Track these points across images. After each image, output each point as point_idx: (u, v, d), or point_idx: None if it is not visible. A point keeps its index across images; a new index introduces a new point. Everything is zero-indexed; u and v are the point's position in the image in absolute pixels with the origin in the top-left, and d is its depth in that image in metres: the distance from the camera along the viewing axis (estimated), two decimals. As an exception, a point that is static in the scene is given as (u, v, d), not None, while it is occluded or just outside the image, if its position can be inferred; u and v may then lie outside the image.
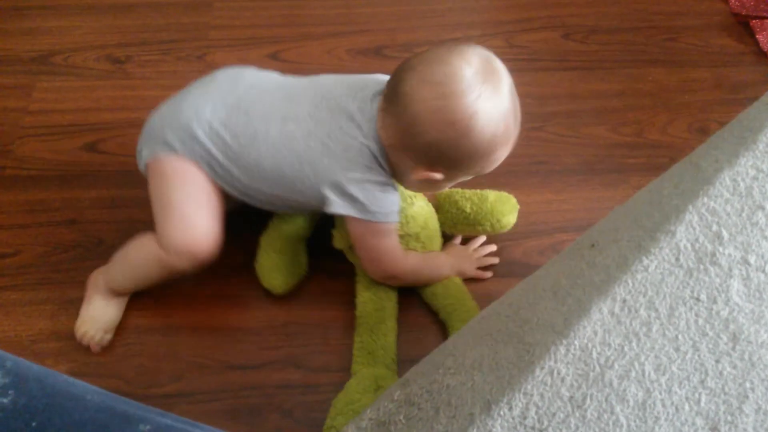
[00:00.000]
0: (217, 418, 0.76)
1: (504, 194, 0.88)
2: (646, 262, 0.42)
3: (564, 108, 1.05)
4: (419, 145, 0.70)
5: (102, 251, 0.89)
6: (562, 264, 0.48)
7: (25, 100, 1.04)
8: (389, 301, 0.81)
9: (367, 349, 0.78)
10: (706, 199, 0.44)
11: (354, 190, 0.72)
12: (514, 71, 1.09)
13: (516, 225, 0.91)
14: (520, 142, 1.00)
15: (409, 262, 0.81)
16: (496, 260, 0.87)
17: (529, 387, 0.37)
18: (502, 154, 0.73)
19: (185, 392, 0.78)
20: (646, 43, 1.13)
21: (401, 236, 0.82)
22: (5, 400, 0.37)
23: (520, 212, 0.92)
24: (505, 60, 1.10)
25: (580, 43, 1.14)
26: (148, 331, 0.82)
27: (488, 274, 0.86)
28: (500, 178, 0.95)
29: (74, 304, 0.84)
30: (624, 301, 0.41)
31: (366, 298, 0.81)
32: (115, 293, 0.82)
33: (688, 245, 0.42)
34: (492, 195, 0.87)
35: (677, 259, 0.42)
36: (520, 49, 1.13)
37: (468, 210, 0.85)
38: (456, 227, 0.87)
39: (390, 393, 0.45)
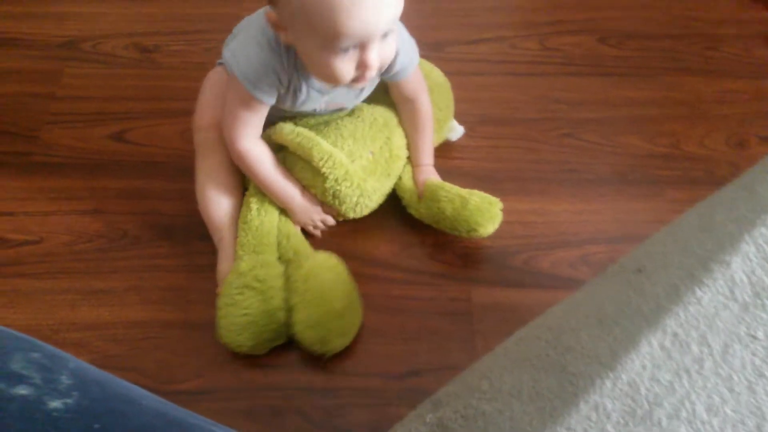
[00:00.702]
0: (235, 418, 0.75)
1: (488, 200, 0.85)
2: (699, 293, 0.40)
3: (597, 115, 1.02)
4: None
5: (125, 243, 0.88)
6: (606, 288, 0.46)
7: (52, 86, 1.04)
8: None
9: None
10: (764, 230, 0.42)
11: (234, 42, 0.80)
12: (546, 74, 1.08)
13: (545, 234, 0.89)
14: (550, 147, 1.00)
15: (247, 153, 0.81)
16: (331, 223, 0.88)
17: (572, 422, 0.36)
18: (317, 7, 0.65)
19: (205, 389, 0.77)
20: (685, 51, 1.10)
21: (317, 172, 0.81)
22: (70, 401, 0.37)
23: (549, 221, 0.91)
24: (537, 63, 1.09)
25: (616, 48, 1.11)
26: (170, 325, 0.81)
27: (317, 233, 0.88)
28: (529, 185, 0.94)
29: (95, 295, 0.84)
30: (675, 334, 0.39)
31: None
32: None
33: (744, 278, 0.40)
34: (475, 199, 0.84)
35: (732, 293, 0.40)
36: (553, 51, 1.11)
37: (447, 212, 0.85)
38: (437, 224, 0.87)
39: (421, 414, 0.44)
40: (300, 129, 0.83)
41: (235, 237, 0.84)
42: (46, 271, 0.86)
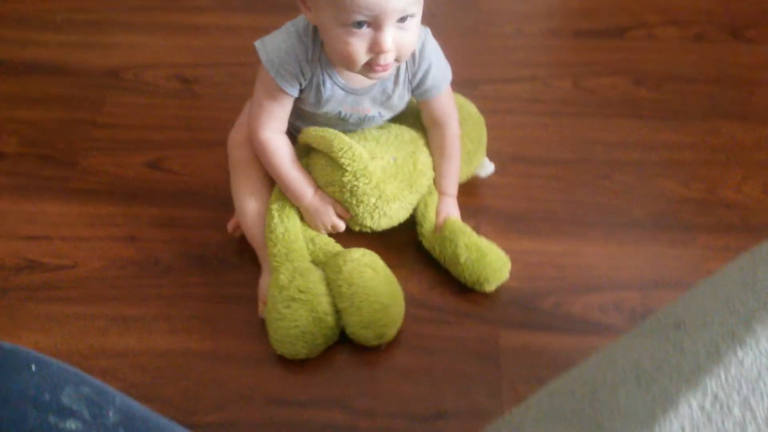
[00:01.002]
0: (257, 453, 0.75)
1: (503, 260, 0.85)
2: (740, 354, 0.39)
3: (632, 157, 1.02)
4: None
5: (158, 271, 0.89)
6: (644, 342, 0.45)
7: (94, 113, 1.07)
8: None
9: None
10: (809, 290, 0.41)
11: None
12: (580, 115, 1.07)
13: (576, 276, 0.88)
14: (583, 189, 0.99)
15: (267, 143, 0.82)
16: (342, 229, 0.87)
17: (609, 483, 0.35)
18: None
19: (228, 422, 0.77)
20: (722, 96, 1.09)
21: (336, 166, 0.81)
22: None
23: (581, 263, 0.90)
24: (571, 103, 1.09)
25: (652, 90, 1.10)
26: (197, 355, 0.82)
27: (324, 232, 0.87)
28: (563, 226, 0.93)
29: (125, 322, 0.85)
30: (716, 396, 0.38)
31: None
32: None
33: (789, 340, 0.39)
34: (492, 257, 0.84)
35: (776, 355, 0.39)
36: (588, 92, 1.11)
37: (462, 259, 0.84)
38: (444, 262, 0.87)
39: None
40: (325, 129, 0.83)
41: None
42: (78, 296, 0.87)
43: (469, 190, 0.97)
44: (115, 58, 1.14)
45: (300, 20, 0.78)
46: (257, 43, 0.79)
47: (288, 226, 0.83)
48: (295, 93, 0.80)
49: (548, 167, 1.00)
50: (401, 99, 0.84)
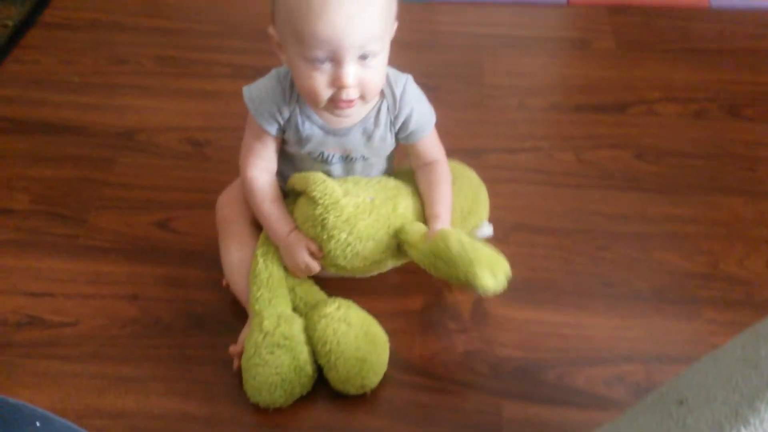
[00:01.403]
0: None
1: (497, 256, 0.80)
2: (745, 434, 0.38)
3: (634, 229, 1.02)
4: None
5: (157, 330, 0.89)
6: (647, 418, 0.44)
7: (106, 173, 1.09)
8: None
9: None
10: (812, 370, 0.41)
11: None
12: (582, 186, 1.09)
13: (579, 349, 0.87)
14: (585, 259, 0.99)
15: (252, 181, 0.85)
16: (315, 269, 0.84)
17: None
18: (295, 6, 0.70)
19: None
20: (722, 171, 1.11)
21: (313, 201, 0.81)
22: None
23: (584, 335, 0.89)
24: (573, 175, 1.11)
25: (653, 164, 1.12)
26: (192, 419, 0.80)
27: (299, 274, 0.85)
28: (565, 297, 0.93)
29: (123, 382, 0.84)
30: (720, 476, 0.37)
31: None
32: None
33: (793, 421, 0.39)
34: (487, 250, 0.80)
35: (780, 436, 0.38)
36: (589, 165, 1.13)
37: (453, 249, 0.78)
38: (434, 264, 0.80)
39: None
40: (309, 172, 0.84)
41: None
42: (78, 354, 0.86)
43: (472, 257, 0.98)
44: (129, 121, 1.18)
45: (283, 66, 0.82)
46: (245, 87, 0.84)
47: (272, 271, 0.84)
48: (274, 131, 0.83)
49: (550, 237, 1.01)
50: (383, 140, 0.85)
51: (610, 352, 0.87)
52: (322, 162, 0.86)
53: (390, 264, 0.88)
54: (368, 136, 0.84)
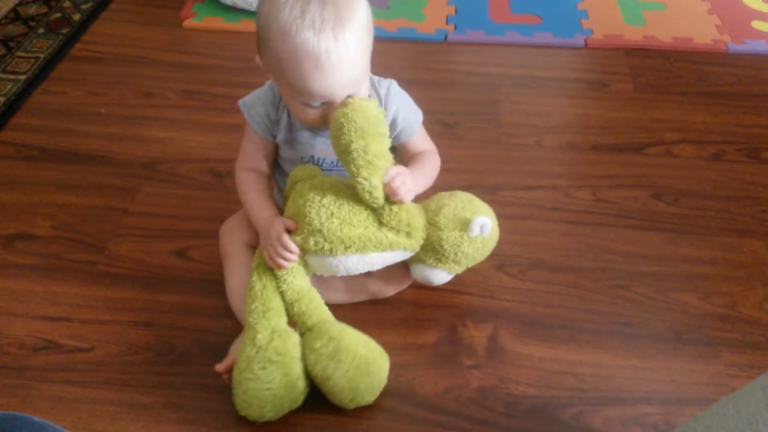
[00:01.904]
0: None
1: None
2: (767, 473, 0.37)
3: (652, 269, 1.02)
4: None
5: (172, 358, 0.89)
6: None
7: (128, 202, 1.11)
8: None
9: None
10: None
11: None
12: (600, 225, 1.09)
13: (597, 388, 0.86)
14: (602, 298, 0.99)
15: (241, 178, 0.92)
16: (286, 266, 0.82)
17: None
18: (279, 46, 0.74)
19: None
20: (741, 213, 1.10)
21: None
22: None
23: (601, 374, 0.88)
24: (591, 213, 1.11)
25: (671, 205, 1.12)
26: (203, 449, 0.80)
27: (272, 263, 0.83)
28: (582, 335, 0.92)
29: (135, 409, 0.84)
30: None
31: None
32: None
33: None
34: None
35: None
36: (607, 204, 1.12)
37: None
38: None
39: None
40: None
41: None
42: (92, 379, 0.87)
43: (487, 293, 0.98)
44: (152, 151, 1.20)
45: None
46: (241, 98, 0.91)
47: (266, 283, 0.83)
48: (263, 133, 0.89)
49: (567, 274, 1.00)
50: None
51: (628, 392, 0.86)
52: (318, 166, 0.89)
53: (371, 246, 0.82)
54: None
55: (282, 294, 0.83)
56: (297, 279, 0.83)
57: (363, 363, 0.80)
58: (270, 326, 0.81)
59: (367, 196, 0.80)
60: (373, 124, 0.77)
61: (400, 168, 0.82)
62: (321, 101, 0.78)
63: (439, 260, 0.88)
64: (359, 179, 0.78)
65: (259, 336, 0.79)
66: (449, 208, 0.88)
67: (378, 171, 0.79)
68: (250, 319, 0.82)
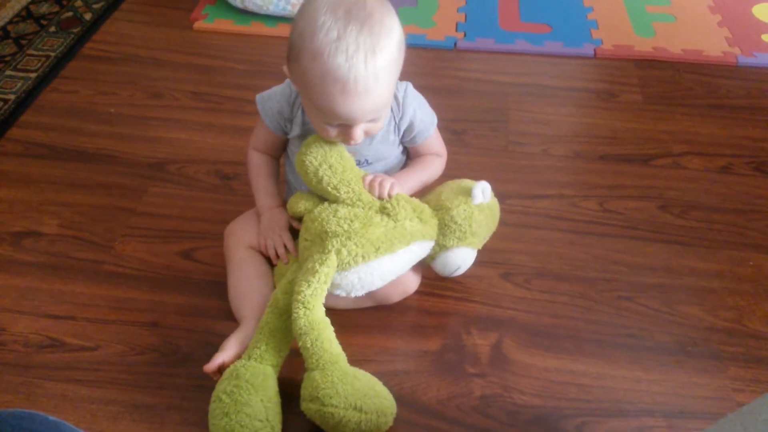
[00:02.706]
0: None
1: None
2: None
3: (658, 281, 1.01)
4: None
5: (176, 359, 0.89)
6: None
7: (135, 202, 1.11)
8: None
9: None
10: None
11: None
12: (606, 235, 1.09)
13: (600, 400, 0.86)
14: (608, 309, 0.98)
15: (250, 156, 0.96)
16: (282, 257, 0.90)
17: None
18: (309, 65, 0.75)
19: None
20: (748, 227, 1.10)
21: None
22: None
23: (606, 386, 0.87)
24: (597, 224, 1.11)
25: (678, 217, 1.12)
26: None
27: (265, 249, 0.91)
28: (587, 346, 0.92)
29: (138, 410, 0.84)
30: None
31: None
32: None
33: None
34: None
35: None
36: (613, 214, 1.12)
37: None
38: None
39: None
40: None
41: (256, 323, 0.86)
42: (96, 379, 0.87)
43: (492, 301, 0.97)
44: (161, 152, 1.20)
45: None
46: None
47: (269, 319, 0.84)
48: (273, 128, 0.91)
49: (573, 284, 1.00)
50: (384, 141, 0.90)
51: (632, 404, 0.86)
52: None
53: (397, 242, 0.83)
54: (371, 136, 0.87)
55: (294, 320, 0.80)
56: (315, 311, 0.80)
57: (351, 409, 0.77)
58: (261, 372, 0.80)
59: (360, 204, 0.83)
60: (331, 147, 0.84)
61: (373, 174, 0.86)
62: (342, 123, 0.79)
63: (459, 238, 0.88)
64: (342, 196, 0.83)
65: (239, 382, 0.78)
66: (447, 190, 0.91)
67: (355, 181, 0.84)
68: (248, 353, 0.82)
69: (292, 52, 0.78)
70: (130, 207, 1.10)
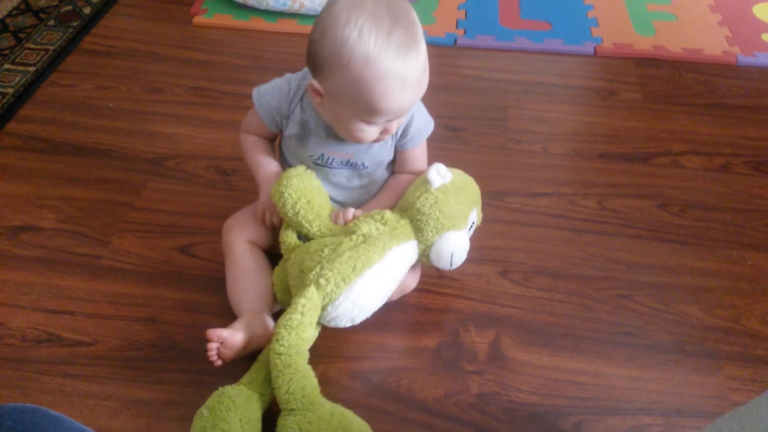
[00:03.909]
0: None
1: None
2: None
3: (655, 279, 1.01)
4: (308, 49, 0.80)
5: (173, 354, 0.89)
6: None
7: (133, 197, 1.11)
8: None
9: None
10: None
11: None
12: (604, 234, 1.09)
13: (598, 398, 0.86)
14: (606, 307, 0.98)
15: (245, 140, 0.95)
16: (271, 223, 0.92)
17: None
18: (362, 69, 0.75)
19: None
20: (747, 226, 1.10)
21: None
22: None
23: (603, 384, 0.88)
24: (596, 222, 1.11)
25: (677, 216, 1.12)
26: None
27: (263, 221, 0.92)
28: (584, 344, 0.92)
29: (136, 405, 0.84)
30: None
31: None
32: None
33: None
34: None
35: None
36: (612, 212, 1.12)
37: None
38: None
39: None
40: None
41: (258, 314, 0.86)
42: (93, 374, 0.87)
43: (490, 298, 0.97)
44: (159, 147, 1.20)
45: (296, 74, 0.89)
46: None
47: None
48: (267, 122, 0.91)
49: (570, 282, 1.00)
50: (383, 146, 0.90)
51: (629, 402, 0.86)
52: (323, 165, 0.90)
53: (388, 241, 0.85)
54: (369, 143, 0.88)
55: (276, 356, 0.79)
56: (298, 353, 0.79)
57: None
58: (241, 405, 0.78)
59: (329, 235, 0.87)
60: (311, 182, 0.86)
61: (338, 209, 0.90)
62: (389, 119, 0.81)
63: (436, 227, 0.87)
64: (314, 230, 0.86)
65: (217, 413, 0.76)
66: (410, 188, 0.91)
67: (326, 216, 0.88)
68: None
69: (327, 64, 0.77)
70: (128, 202, 1.10)
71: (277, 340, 0.79)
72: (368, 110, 0.79)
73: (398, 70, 0.76)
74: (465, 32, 1.52)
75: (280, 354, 0.78)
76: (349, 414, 0.78)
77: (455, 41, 1.49)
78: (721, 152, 1.24)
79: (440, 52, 1.47)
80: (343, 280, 0.81)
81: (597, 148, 1.24)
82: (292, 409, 0.77)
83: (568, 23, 1.55)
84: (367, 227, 0.84)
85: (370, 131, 0.82)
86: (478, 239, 1.06)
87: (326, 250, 0.83)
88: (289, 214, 0.86)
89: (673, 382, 0.88)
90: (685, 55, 1.47)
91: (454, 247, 0.89)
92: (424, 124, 0.92)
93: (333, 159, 0.90)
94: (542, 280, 1.00)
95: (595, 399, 0.86)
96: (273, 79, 0.91)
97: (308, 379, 0.79)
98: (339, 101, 0.80)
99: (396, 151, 0.93)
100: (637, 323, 0.95)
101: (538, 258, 1.04)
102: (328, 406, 0.78)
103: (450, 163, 0.97)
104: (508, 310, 0.96)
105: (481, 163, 1.20)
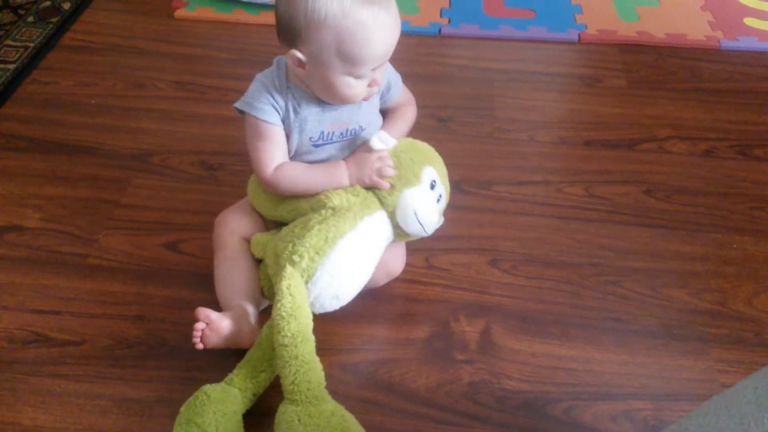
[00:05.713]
0: None
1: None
2: (759, 473, 0.38)
3: (643, 265, 1.02)
4: (278, 25, 0.81)
5: (163, 352, 0.89)
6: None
7: (119, 194, 1.10)
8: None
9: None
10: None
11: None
12: (591, 220, 1.09)
13: (587, 383, 0.87)
14: (594, 294, 0.99)
15: (278, 173, 0.87)
16: (392, 172, 0.86)
17: None
18: (341, 22, 0.77)
19: None
20: (732, 210, 1.11)
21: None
22: None
23: (592, 369, 0.88)
24: (583, 209, 1.11)
25: (663, 201, 1.13)
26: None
27: (386, 184, 0.86)
28: (573, 330, 0.93)
29: (126, 403, 0.83)
30: None
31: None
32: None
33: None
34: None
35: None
36: (599, 199, 1.13)
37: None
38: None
39: None
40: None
41: (246, 313, 0.86)
42: (83, 373, 0.86)
43: (479, 288, 0.98)
44: (144, 143, 1.19)
45: (266, 73, 0.88)
46: (243, 99, 0.88)
47: (252, 354, 0.83)
48: (273, 119, 0.86)
49: (559, 270, 1.01)
50: (371, 105, 0.92)
51: (618, 387, 0.87)
52: (324, 143, 0.89)
53: (359, 210, 0.85)
54: (359, 103, 0.89)
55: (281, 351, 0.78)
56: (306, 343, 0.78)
57: None
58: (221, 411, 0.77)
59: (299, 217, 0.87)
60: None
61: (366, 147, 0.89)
62: (375, 66, 0.82)
63: (391, 190, 0.86)
64: (288, 217, 0.89)
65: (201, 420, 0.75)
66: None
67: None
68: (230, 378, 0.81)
69: (303, 27, 0.78)
70: (113, 199, 1.09)
71: (279, 332, 0.78)
72: (354, 61, 0.80)
73: (376, 14, 0.78)
74: (449, 21, 1.52)
75: (286, 345, 0.77)
76: (349, 417, 0.77)
77: (440, 30, 1.49)
78: (705, 137, 1.25)
79: (425, 41, 1.47)
80: (317, 253, 0.80)
81: (583, 136, 1.25)
82: (295, 399, 0.77)
83: (552, 10, 1.55)
84: (338, 199, 0.85)
85: (360, 85, 0.83)
86: (466, 228, 1.06)
87: (296, 229, 0.83)
88: (271, 213, 0.90)
89: (661, 366, 0.89)
90: (669, 40, 1.47)
91: (415, 205, 0.86)
92: (393, 71, 0.95)
93: (332, 133, 0.89)
94: (531, 269, 1.01)
95: (584, 385, 0.87)
96: (247, 90, 0.88)
97: (314, 372, 0.78)
98: (323, 62, 0.80)
99: (386, 110, 0.96)
100: (625, 309, 0.96)
101: (527, 246, 1.04)
102: (331, 405, 0.78)
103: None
104: (497, 298, 0.97)
105: (468, 153, 1.20)
